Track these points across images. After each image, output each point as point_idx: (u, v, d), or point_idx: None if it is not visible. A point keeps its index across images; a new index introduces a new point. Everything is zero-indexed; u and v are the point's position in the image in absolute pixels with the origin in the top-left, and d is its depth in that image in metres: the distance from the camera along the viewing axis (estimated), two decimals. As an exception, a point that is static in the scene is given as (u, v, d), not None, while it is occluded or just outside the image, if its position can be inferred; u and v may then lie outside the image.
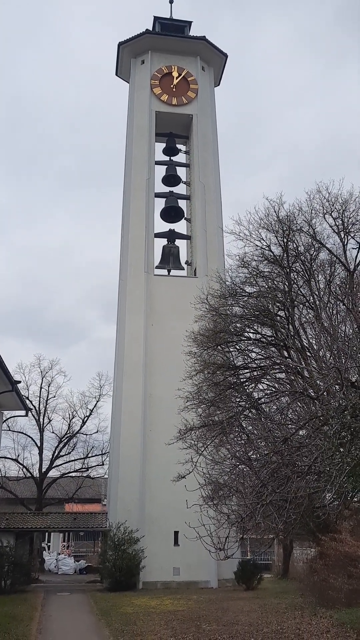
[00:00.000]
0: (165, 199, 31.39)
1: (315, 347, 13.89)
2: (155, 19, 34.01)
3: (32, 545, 29.77)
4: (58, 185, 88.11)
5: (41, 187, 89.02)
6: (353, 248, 16.77)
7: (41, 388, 38.39)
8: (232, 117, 78.87)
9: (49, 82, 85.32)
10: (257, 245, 16.66)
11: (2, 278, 79.70)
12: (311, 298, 15.61)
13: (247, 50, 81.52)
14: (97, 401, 38.50)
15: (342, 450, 8.30)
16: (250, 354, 15.63)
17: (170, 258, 30.77)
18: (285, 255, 16.29)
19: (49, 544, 40.11)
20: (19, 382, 22.97)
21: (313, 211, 16.79)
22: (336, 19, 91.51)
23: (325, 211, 16.78)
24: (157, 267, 29.59)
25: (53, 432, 38.31)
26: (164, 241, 31.20)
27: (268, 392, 14.61)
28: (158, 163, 31.55)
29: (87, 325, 77.99)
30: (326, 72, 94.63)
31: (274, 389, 14.24)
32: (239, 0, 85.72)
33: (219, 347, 15.82)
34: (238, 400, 15.07)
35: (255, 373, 14.97)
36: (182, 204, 32.16)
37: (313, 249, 16.52)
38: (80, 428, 38.33)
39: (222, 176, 32.41)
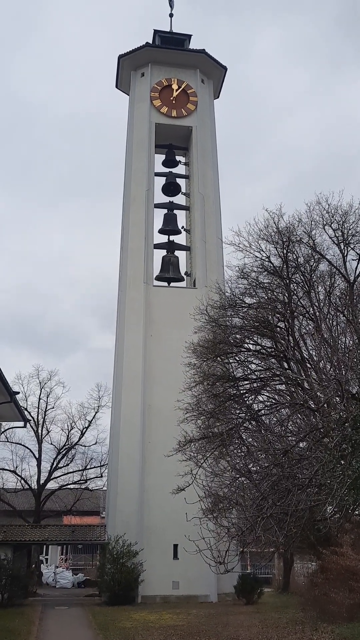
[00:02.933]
0: (164, 210, 31.54)
1: (315, 358, 13.84)
2: (155, 32, 34.34)
3: (30, 558, 29.50)
4: (55, 194, 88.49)
5: (37, 195, 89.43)
6: (353, 259, 16.77)
7: (40, 399, 38.33)
8: (232, 127, 79.49)
9: (47, 92, 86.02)
10: (256, 257, 16.66)
11: (-3, 286, 79.73)
12: (311, 309, 15.58)
13: (246, 58, 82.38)
14: (96, 412, 38.41)
15: (343, 462, 8.25)
16: (250, 366, 15.57)
17: (170, 267, 30.82)
18: (285, 266, 16.28)
19: (46, 557, 39.77)
20: (18, 392, 22.86)
21: (313, 222, 16.79)
22: (333, 25, 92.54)
23: (325, 222, 16.80)
24: (156, 278, 29.66)
25: (51, 444, 38.17)
26: (163, 252, 31.31)
27: (268, 403, 14.54)
28: (157, 174, 31.70)
29: (84, 334, 77.90)
30: (324, 79, 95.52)
31: (274, 401, 14.18)
32: (236, 9, 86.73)
33: (218, 358, 15.76)
34: (238, 412, 14.99)
35: (255, 384, 14.91)
36: (181, 215, 32.31)
37: (313, 260, 16.52)
38: (79, 439, 38.20)
39: (221, 186, 32.60)
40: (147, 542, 23.77)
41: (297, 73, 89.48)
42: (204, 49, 32.70)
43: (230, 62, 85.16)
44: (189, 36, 34.67)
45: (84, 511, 39.25)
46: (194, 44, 34.35)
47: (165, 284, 30.29)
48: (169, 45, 33.54)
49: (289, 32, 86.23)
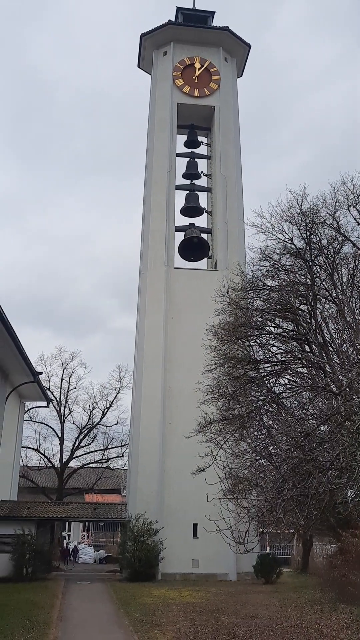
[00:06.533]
0: (186, 192, 31.32)
1: (337, 341, 13.74)
2: (178, 9, 33.80)
3: (53, 534, 30.16)
4: (74, 173, 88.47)
5: (57, 174, 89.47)
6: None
7: (62, 379, 38.90)
8: (255, 104, 78.23)
9: (68, 70, 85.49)
10: (279, 238, 16.43)
11: (17, 266, 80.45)
12: (334, 292, 15.38)
13: (270, 32, 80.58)
14: (117, 393, 38.94)
15: (364, 446, 8.20)
16: (271, 348, 15.50)
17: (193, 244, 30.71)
18: (308, 248, 16.06)
19: (69, 533, 40.68)
20: (41, 373, 23.29)
21: (337, 203, 16.43)
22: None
23: (350, 204, 16.43)
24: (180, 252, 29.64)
25: (74, 423, 38.87)
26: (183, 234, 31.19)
27: (289, 386, 14.50)
28: (179, 155, 31.44)
29: (104, 314, 78.37)
30: (352, 51, 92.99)
31: (295, 384, 14.13)
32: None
33: (239, 340, 15.72)
34: (258, 394, 14.99)
35: (276, 367, 14.86)
36: (202, 196, 32.06)
37: (337, 242, 16.23)
38: (101, 419, 38.81)
39: (244, 167, 32.23)
40: (167, 520, 24.12)
41: (323, 46, 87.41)
42: (227, 26, 32.08)
43: (254, 36, 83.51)
44: (212, 13, 34.06)
45: (105, 489, 39.97)
46: (217, 21, 33.79)
47: (187, 264, 30.23)
48: (192, 22, 33.01)
49: (314, 2, 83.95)
